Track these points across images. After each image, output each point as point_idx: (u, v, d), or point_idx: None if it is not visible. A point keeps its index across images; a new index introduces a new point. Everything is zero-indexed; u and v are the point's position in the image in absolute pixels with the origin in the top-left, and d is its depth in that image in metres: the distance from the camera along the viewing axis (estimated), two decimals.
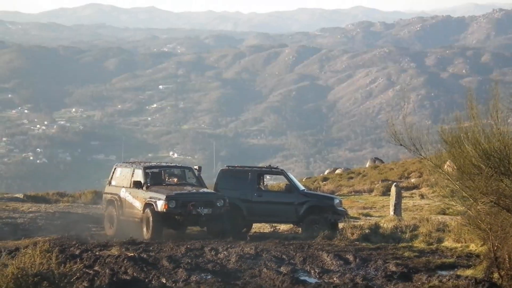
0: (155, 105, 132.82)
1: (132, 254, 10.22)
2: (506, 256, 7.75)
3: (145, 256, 10.19)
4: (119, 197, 13.74)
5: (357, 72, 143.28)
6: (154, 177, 13.82)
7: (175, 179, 14.10)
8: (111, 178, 14.54)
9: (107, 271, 8.87)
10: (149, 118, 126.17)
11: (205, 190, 13.62)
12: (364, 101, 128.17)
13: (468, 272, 8.91)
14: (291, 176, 15.11)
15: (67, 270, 7.16)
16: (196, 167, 14.59)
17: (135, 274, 8.81)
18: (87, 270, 8.97)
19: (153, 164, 14.85)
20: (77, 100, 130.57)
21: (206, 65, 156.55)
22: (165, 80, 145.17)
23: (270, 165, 17.38)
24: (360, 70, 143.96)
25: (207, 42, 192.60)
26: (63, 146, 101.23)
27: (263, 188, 16.63)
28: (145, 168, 13.64)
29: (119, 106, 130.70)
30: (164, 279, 8.47)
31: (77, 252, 10.64)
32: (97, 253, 10.49)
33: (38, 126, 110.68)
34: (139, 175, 13.53)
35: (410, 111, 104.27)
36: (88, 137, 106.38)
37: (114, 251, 10.69)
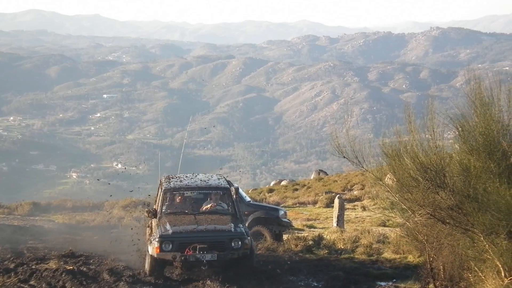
0: (98, 114, 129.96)
1: (71, 267, 9.88)
2: (441, 266, 8.01)
3: (84, 269, 9.88)
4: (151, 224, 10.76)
5: (303, 85, 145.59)
6: (180, 202, 10.82)
7: (208, 206, 10.76)
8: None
9: (43, 285, 8.54)
10: (92, 128, 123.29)
11: (220, 226, 9.97)
12: (309, 114, 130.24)
13: (406, 283, 9.15)
14: (236, 185, 15.12)
15: (0, 285, 6.85)
16: (233, 189, 10.97)
17: None
18: (22, 285, 8.61)
19: (183, 183, 11.10)
20: (16, 108, 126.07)
21: (152, 74, 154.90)
22: (110, 89, 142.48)
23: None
24: (306, 83, 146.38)
25: (154, 52, 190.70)
26: None
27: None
28: (165, 191, 10.71)
29: (61, 115, 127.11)
30: None
31: (12, 266, 10.19)
32: (33, 267, 10.06)
33: None
34: (159, 200, 10.70)
35: (354, 125, 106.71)
36: (27, 146, 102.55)
37: (52, 264, 10.30)
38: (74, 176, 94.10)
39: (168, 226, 9.77)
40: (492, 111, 7.05)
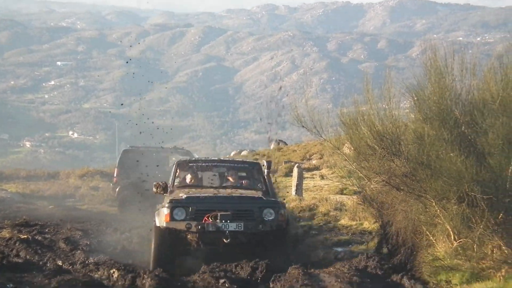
0: (52, 82, 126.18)
1: (25, 236, 9.71)
2: (395, 232, 8.25)
3: (40, 238, 9.72)
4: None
5: (263, 54, 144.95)
6: (192, 176, 9.06)
7: (230, 178, 9.06)
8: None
9: None
10: (46, 96, 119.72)
11: (248, 194, 8.34)
12: (269, 84, 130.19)
13: (361, 247, 9.42)
14: (197, 157, 15.06)
15: None
16: (264, 162, 9.42)
17: (28, 256, 8.38)
18: None
19: (198, 158, 9.77)
20: None
21: (108, 42, 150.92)
22: (64, 56, 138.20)
23: (175, 146, 17.19)
24: (266, 52, 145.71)
25: (109, 19, 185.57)
26: None
27: (168, 170, 16.42)
28: (178, 163, 9.19)
29: (12, 82, 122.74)
30: (61, 262, 8.15)
31: None
32: None
33: None
34: (172, 173, 9.13)
35: (313, 95, 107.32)
36: None
37: (5, 233, 10.10)
38: (28, 145, 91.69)
39: (181, 194, 8.13)
40: (446, 80, 7.21)
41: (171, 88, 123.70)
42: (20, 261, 8.15)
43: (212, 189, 8.47)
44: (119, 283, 6.93)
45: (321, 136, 8.72)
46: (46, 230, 10.66)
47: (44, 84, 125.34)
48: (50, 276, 6.76)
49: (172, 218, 7.66)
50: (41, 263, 8.09)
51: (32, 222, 11.50)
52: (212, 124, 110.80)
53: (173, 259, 7.81)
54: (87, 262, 8.04)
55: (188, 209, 7.70)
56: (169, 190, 8.56)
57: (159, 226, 7.84)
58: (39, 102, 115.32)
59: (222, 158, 9.28)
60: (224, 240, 7.57)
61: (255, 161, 9.40)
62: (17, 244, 8.90)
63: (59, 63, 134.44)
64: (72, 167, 33.00)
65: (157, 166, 15.90)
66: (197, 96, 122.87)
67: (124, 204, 15.72)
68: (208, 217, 7.59)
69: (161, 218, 7.80)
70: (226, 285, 6.09)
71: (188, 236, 7.75)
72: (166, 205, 7.79)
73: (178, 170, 9.05)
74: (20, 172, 25.07)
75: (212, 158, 9.38)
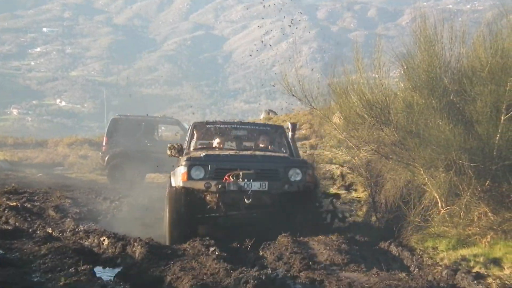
0: (38, 49, 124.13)
1: (15, 203, 9.69)
2: (383, 200, 8.35)
3: (29, 206, 9.71)
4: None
5: (252, 23, 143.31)
6: (208, 138, 8.42)
7: (252, 142, 8.49)
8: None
9: None
10: (32, 63, 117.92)
11: (272, 153, 7.77)
12: (259, 53, 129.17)
13: (350, 217, 9.51)
14: (186, 126, 15.03)
15: None
16: (288, 125, 8.73)
17: (17, 224, 8.38)
18: None
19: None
20: None
21: (95, 8, 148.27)
22: (50, 22, 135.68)
23: (164, 115, 17.12)
24: (255, 21, 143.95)
25: None
26: None
27: (157, 139, 16.40)
28: (195, 125, 8.50)
29: None
30: (50, 229, 8.16)
31: None
32: None
33: None
34: (188, 135, 8.50)
35: (303, 64, 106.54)
36: None
37: None
38: (15, 113, 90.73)
39: (199, 153, 7.47)
40: (435, 48, 7.20)
41: (159, 56, 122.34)
42: (9, 228, 8.15)
43: (232, 151, 7.82)
44: (110, 250, 6.96)
45: (311, 106, 8.71)
46: (35, 198, 10.65)
47: (30, 50, 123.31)
48: (40, 243, 6.77)
49: (189, 177, 6.94)
50: (30, 230, 8.10)
51: (21, 189, 11.47)
52: (201, 93, 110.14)
53: (190, 224, 7.07)
54: (77, 230, 8.07)
55: (207, 167, 6.99)
56: (184, 152, 7.87)
57: (174, 187, 7.11)
58: (25, 69, 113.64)
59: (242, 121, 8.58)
60: (246, 200, 6.88)
61: (278, 125, 8.79)
62: (6, 211, 8.89)
63: (45, 29, 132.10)
64: (60, 135, 32.80)
65: (146, 135, 15.88)
66: (186, 65, 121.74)
67: (114, 173, 15.74)
68: (229, 176, 6.91)
69: (177, 177, 7.07)
70: (216, 253, 6.14)
71: (207, 197, 7.07)
72: (183, 163, 7.05)
73: (194, 132, 8.33)
74: (7, 139, 24.89)
75: (232, 120, 8.89)
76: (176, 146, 7.80)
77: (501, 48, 6.57)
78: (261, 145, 8.17)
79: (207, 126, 8.43)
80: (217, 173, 6.97)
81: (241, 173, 6.90)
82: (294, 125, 8.54)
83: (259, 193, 6.89)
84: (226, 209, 7.10)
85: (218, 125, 8.46)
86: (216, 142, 8.26)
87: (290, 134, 8.37)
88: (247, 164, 7.09)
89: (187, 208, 7.01)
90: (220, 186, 6.86)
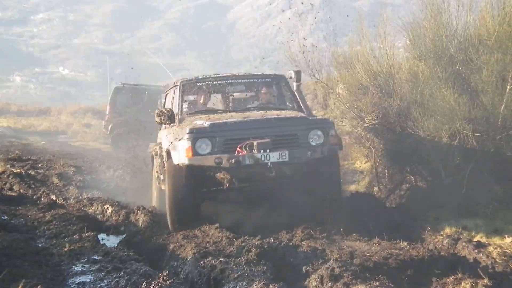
0: (41, 15, 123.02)
1: (19, 170, 9.74)
2: (386, 171, 8.36)
3: (33, 173, 9.77)
4: (160, 147, 7.11)
5: None
6: (204, 98, 7.27)
7: (252, 98, 7.43)
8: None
9: None
10: (35, 29, 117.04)
11: (287, 114, 6.51)
12: (263, 22, 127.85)
13: (353, 187, 9.53)
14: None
15: None
16: (291, 73, 7.26)
17: (21, 190, 8.45)
18: None
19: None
20: None
21: None
22: None
23: (167, 84, 16.97)
24: None
25: None
26: None
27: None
28: (183, 83, 7.22)
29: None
30: (54, 196, 8.23)
31: None
32: None
33: None
34: (175, 98, 7.19)
35: (307, 34, 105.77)
36: None
37: None
38: (18, 80, 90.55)
39: (200, 121, 6.24)
40: (442, 16, 7.10)
41: (163, 25, 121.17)
42: (14, 194, 8.22)
43: (234, 113, 6.60)
44: (113, 218, 7.02)
45: (315, 76, 8.66)
46: (39, 165, 10.69)
47: (32, 17, 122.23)
48: (44, 210, 6.83)
49: (195, 152, 5.82)
50: (34, 197, 8.17)
51: (25, 157, 11.51)
52: (204, 63, 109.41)
53: (195, 204, 6.09)
54: (80, 197, 8.12)
55: (214, 139, 5.86)
56: (177, 119, 6.72)
57: (178, 164, 5.96)
58: (27, 36, 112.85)
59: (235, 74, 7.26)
60: (269, 174, 5.83)
61: (279, 74, 7.32)
62: (10, 178, 8.94)
63: None
64: (63, 103, 32.78)
65: (149, 104, 15.82)
66: (189, 34, 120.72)
67: (117, 142, 15.75)
68: (241, 147, 5.83)
69: (180, 153, 5.90)
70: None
71: (218, 175, 5.91)
72: (186, 137, 5.87)
73: (183, 93, 7.08)
74: (11, 106, 24.90)
75: (224, 74, 7.38)
76: (165, 111, 6.62)
77: (509, 16, 6.47)
78: (264, 100, 7.09)
79: (198, 83, 7.18)
80: (227, 145, 5.88)
81: (255, 143, 5.81)
82: (298, 73, 7.18)
83: (279, 164, 5.82)
84: (240, 184, 6.04)
85: (210, 82, 7.16)
86: (200, 101, 7.25)
87: (294, 85, 7.15)
88: (260, 130, 5.93)
89: (192, 188, 5.98)
90: (233, 161, 5.76)
